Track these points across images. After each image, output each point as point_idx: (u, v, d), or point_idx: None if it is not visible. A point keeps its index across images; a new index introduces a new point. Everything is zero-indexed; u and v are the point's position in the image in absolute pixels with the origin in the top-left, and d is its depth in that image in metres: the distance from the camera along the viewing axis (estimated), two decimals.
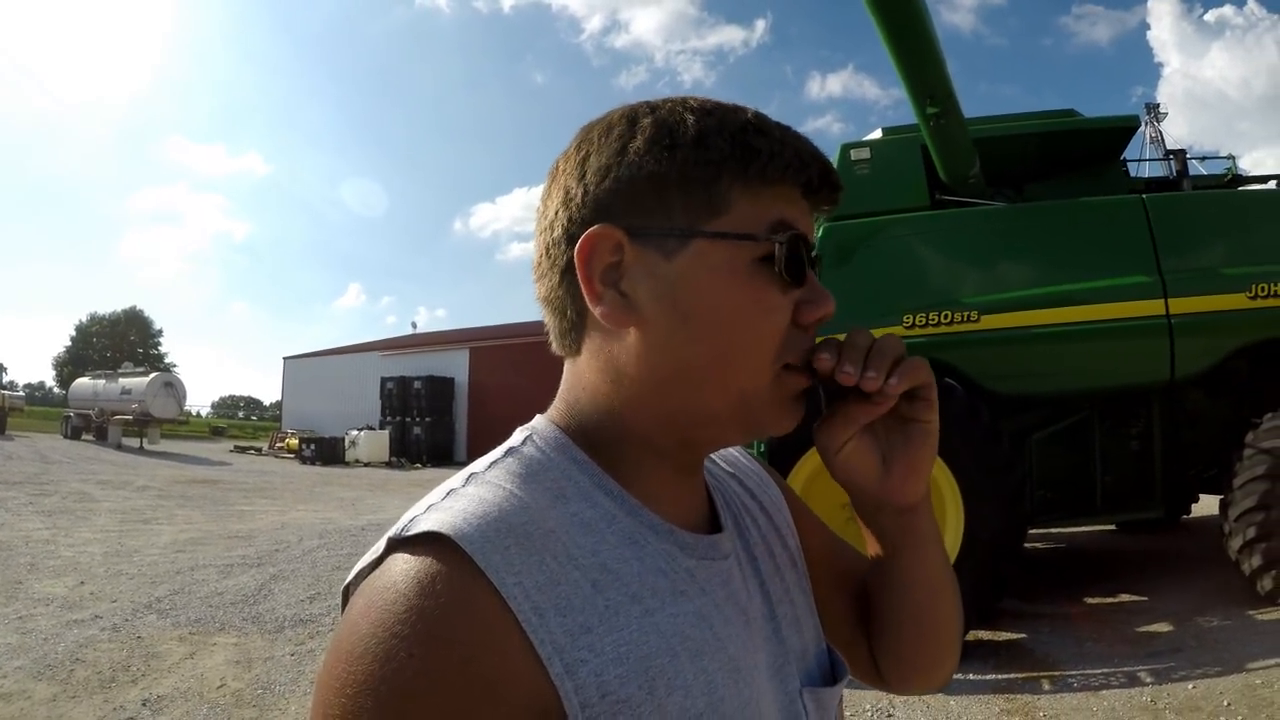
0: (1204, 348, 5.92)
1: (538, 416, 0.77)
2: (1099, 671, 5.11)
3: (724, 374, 0.70)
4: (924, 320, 6.06)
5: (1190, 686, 4.73)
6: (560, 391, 0.77)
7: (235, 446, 39.77)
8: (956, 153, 6.05)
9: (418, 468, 29.38)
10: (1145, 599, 6.57)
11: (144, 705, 4.96)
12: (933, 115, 5.58)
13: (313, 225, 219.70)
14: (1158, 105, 44.28)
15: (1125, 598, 6.73)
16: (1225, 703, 4.47)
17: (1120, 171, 7.03)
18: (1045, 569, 8.16)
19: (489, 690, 0.57)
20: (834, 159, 6.66)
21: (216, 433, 54.66)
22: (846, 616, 0.94)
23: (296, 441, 32.68)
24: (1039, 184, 6.86)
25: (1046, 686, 4.99)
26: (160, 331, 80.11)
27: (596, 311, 0.70)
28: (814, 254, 0.74)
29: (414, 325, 49.31)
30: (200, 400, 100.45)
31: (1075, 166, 6.80)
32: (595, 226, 0.69)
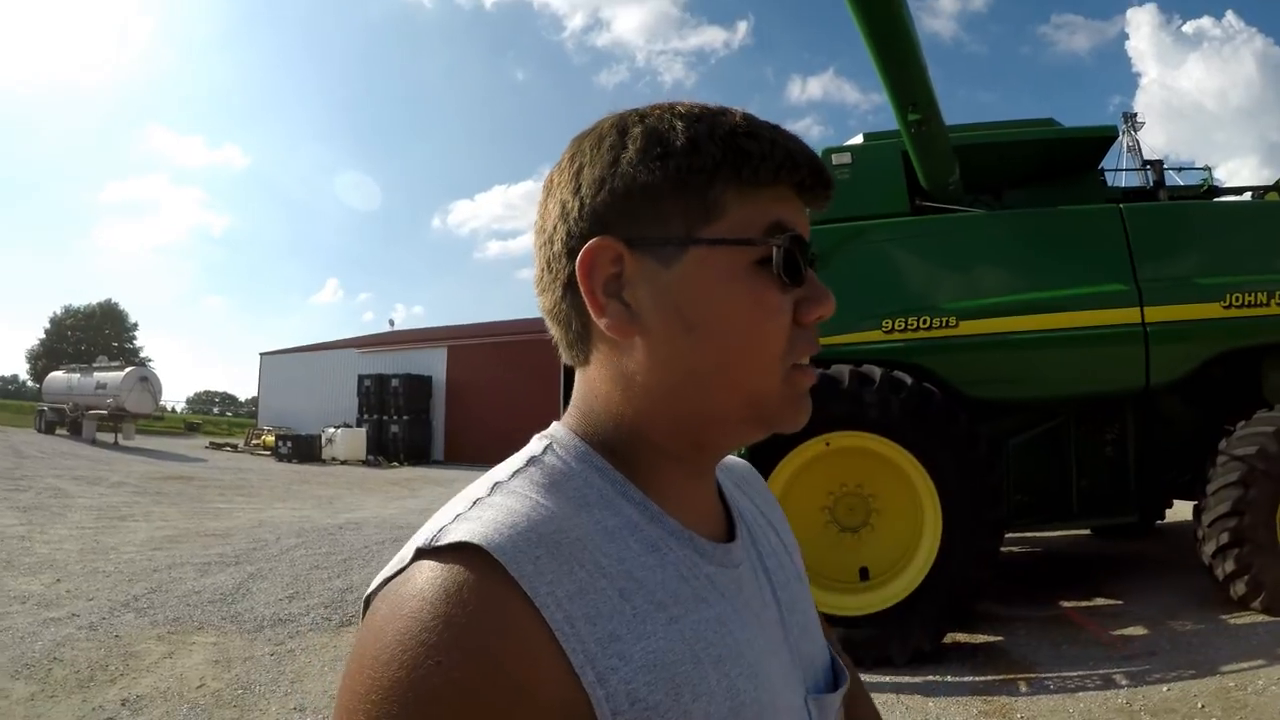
0: (1179, 356, 6.01)
1: (555, 424, 0.78)
2: (1075, 674, 5.18)
3: (731, 376, 0.71)
4: (902, 325, 6.12)
5: (1165, 689, 4.81)
6: (574, 399, 0.78)
7: (211, 443, 39.35)
8: (937, 159, 6.12)
9: (395, 466, 29.18)
10: (1120, 603, 6.66)
11: (123, 705, 4.93)
12: (914, 122, 5.63)
13: (291, 219, 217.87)
14: (1135, 115, 44.51)
15: (1100, 601, 6.82)
16: (1200, 705, 4.55)
17: (1098, 180, 7.13)
18: (1022, 573, 8.25)
19: (517, 699, 0.57)
20: None
21: (192, 429, 54.08)
22: None
23: (273, 438, 32.32)
24: (1017, 191, 6.96)
25: (1024, 689, 5.05)
26: (136, 325, 79.27)
27: (601, 323, 0.71)
28: (811, 253, 0.74)
29: (391, 322, 49.16)
30: (175, 396, 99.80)
31: (1053, 175, 6.90)
32: (594, 239, 0.70)
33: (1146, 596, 6.68)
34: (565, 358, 0.79)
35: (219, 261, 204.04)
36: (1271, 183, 7.37)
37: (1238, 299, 5.94)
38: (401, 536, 0.68)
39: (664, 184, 0.69)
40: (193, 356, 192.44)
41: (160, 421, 44.48)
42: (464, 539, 0.61)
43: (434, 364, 35.05)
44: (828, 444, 5.83)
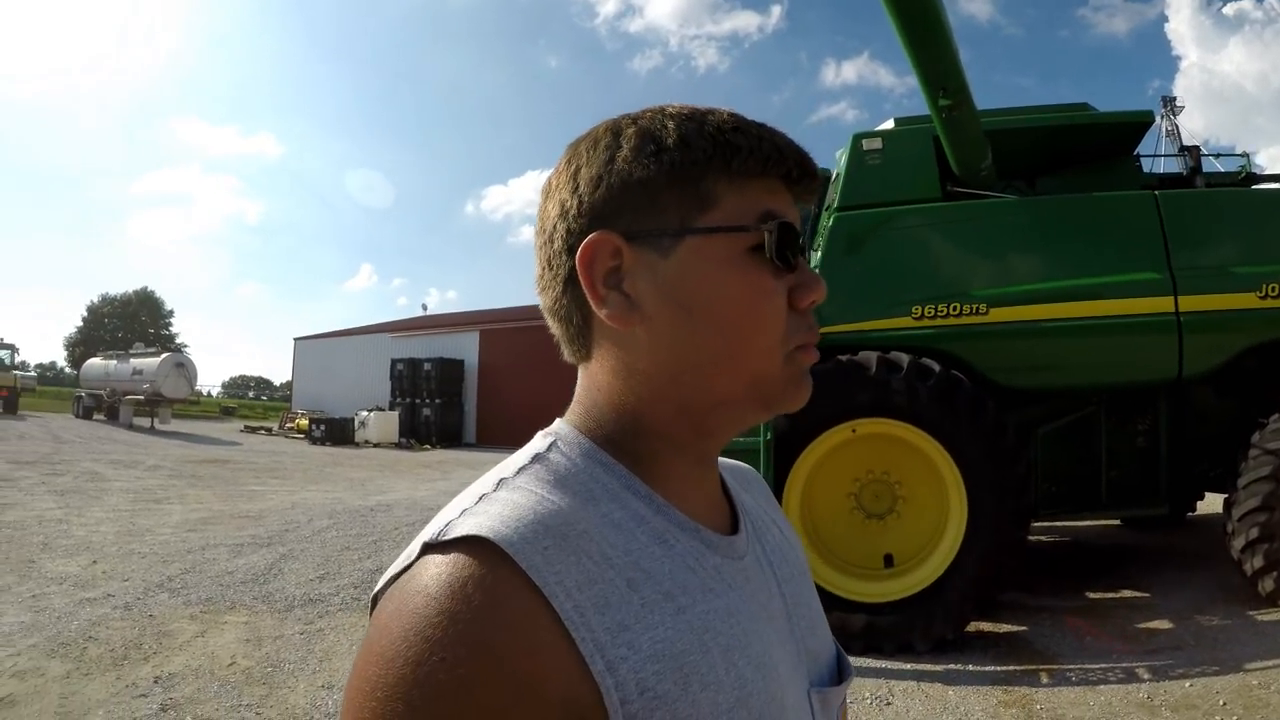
0: (1213, 346, 5.93)
1: (558, 421, 0.79)
2: (1097, 667, 5.15)
3: (733, 359, 0.72)
4: (932, 312, 6.07)
5: (1188, 685, 4.77)
6: (577, 396, 0.79)
7: (245, 426, 39.77)
8: (968, 145, 6.05)
9: (427, 449, 29.38)
10: (1147, 595, 6.61)
11: (155, 682, 5.03)
12: (945, 107, 5.57)
13: (325, 206, 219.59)
14: (1174, 99, 43.78)
15: (1126, 593, 6.76)
16: (1221, 702, 4.51)
17: (1133, 167, 6.99)
18: (1048, 563, 8.19)
19: (524, 692, 0.57)
20: (846, 148, 6.67)
21: (227, 413, 54.62)
22: None
23: (306, 422, 32.66)
24: (1051, 178, 6.85)
25: (1045, 680, 5.03)
26: (171, 312, 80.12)
27: (602, 314, 0.73)
28: (801, 241, 0.76)
29: (424, 307, 49.36)
30: (211, 380, 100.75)
31: (1088, 161, 6.78)
32: (593, 234, 0.72)
33: (1173, 590, 6.62)
34: (567, 354, 0.80)
35: (254, 249, 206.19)
36: None
37: (1274, 289, 5.83)
38: (431, 518, 0.68)
39: (658, 178, 0.72)
40: (228, 342, 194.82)
41: (196, 406, 44.98)
42: (471, 532, 0.62)
43: (466, 348, 35.17)
44: (854, 430, 5.82)
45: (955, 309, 6.06)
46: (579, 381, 0.80)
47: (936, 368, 5.70)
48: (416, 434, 31.57)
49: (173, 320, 79.77)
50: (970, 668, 5.30)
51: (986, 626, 5.97)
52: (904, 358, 5.75)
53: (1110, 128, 6.72)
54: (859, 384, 5.72)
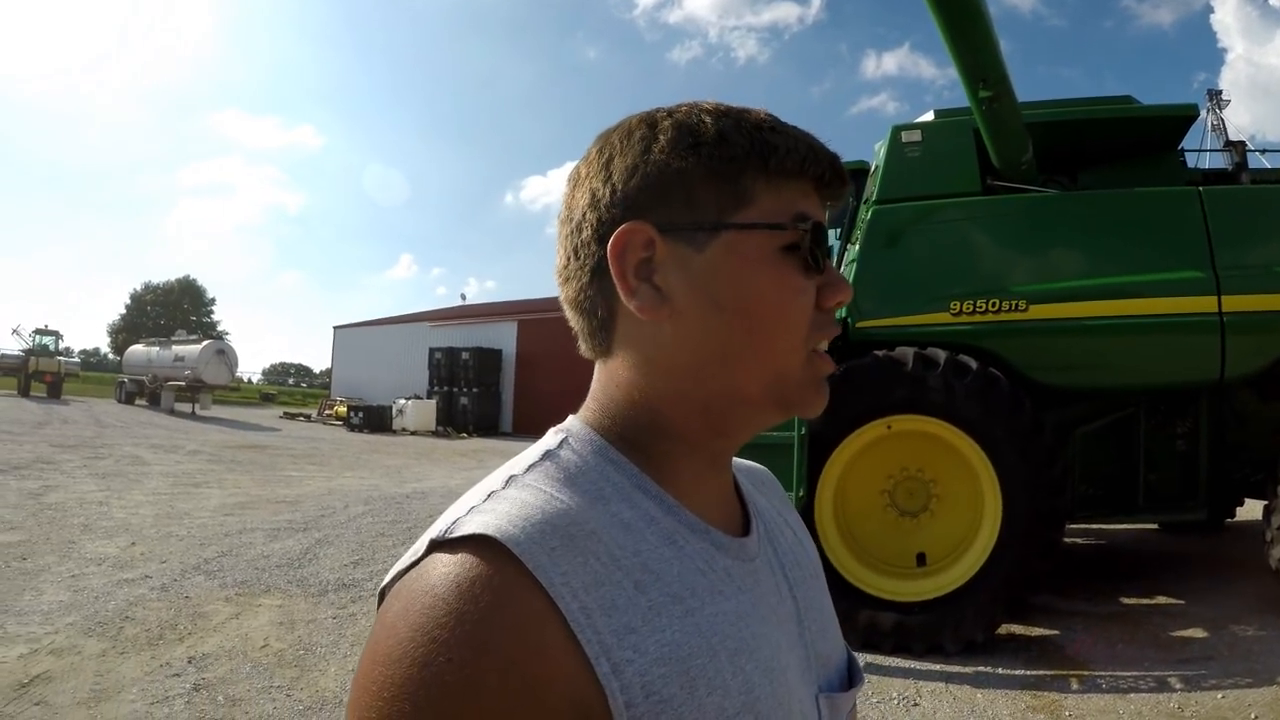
0: (1256, 347, 5.78)
1: (570, 418, 0.79)
2: (1128, 674, 5.07)
3: (760, 356, 0.72)
4: (970, 308, 5.99)
5: (1219, 696, 4.69)
6: (592, 392, 0.79)
7: (285, 413, 40.31)
8: (1009, 137, 5.95)
9: (464, 437, 29.57)
10: (1182, 603, 6.49)
11: (189, 662, 5.10)
12: (985, 99, 5.48)
13: (365, 197, 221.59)
14: (1220, 92, 42.83)
15: (1161, 600, 6.66)
16: (1253, 715, 4.44)
17: (1177, 161, 6.82)
18: (1082, 566, 8.09)
19: (530, 693, 0.57)
20: (885, 141, 6.60)
21: (267, 399, 55.43)
22: None
23: (345, 409, 33.05)
24: (1093, 172, 6.70)
25: (1074, 685, 4.97)
26: (213, 300, 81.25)
27: (632, 304, 0.72)
28: (827, 244, 0.76)
29: (463, 297, 49.55)
30: (251, 367, 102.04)
31: (1131, 155, 6.63)
32: (627, 223, 0.71)
33: (1209, 598, 6.50)
34: (585, 349, 0.80)
35: (294, 238, 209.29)
36: None
37: None
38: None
39: (695, 171, 0.71)
40: (269, 330, 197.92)
41: (236, 392, 45.58)
42: (478, 531, 0.62)
43: (504, 338, 35.34)
44: (889, 427, 5.77)
45: (994, 305, 5.97)
46: (595, 377, 0.79)
47: (974, 365, 5.63)
48: (454, 422, 31.80)
49: (214, 308, 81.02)
50: (1000, 671, 5.24)
51: (1018, 629, 5.90)
52: (941, 354, 5.68)
53: (1154, 121, 6.55)
54: (895, 380, 5.67)
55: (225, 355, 35.83)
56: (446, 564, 0.61)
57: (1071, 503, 6.27)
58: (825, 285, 0.75)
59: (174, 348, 36.52)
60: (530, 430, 31.24)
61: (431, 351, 34.99)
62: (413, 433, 29.44)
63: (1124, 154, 6.62)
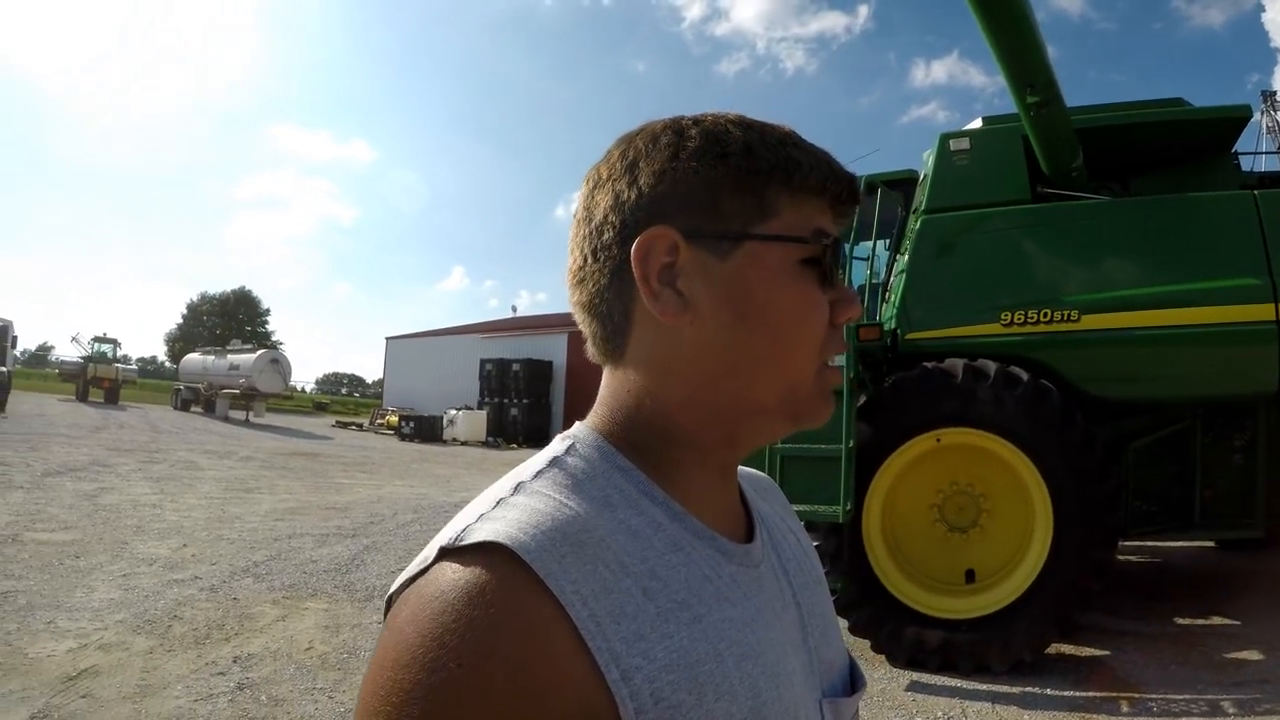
0: None
1: (578, 424, 0.79)
2: (1181, 697, 4.94)
3: (776, 366, 0.73)
4: (1021, 318, 5.88)
5: None
6: (601, 398, 0.79)
7: (337, 422, 40.91)
8: (1058, 144, 5.85)
9: (513, 448, 29.84)
10: (1238, 623, 6.32)
11: (234, 662, 5.17)
12: (1033, 105, 5.40)
13: (418, 210, 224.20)
14: (1274, 93, 41.28)
15: (1217, 620, 6.48)
16: None
17: (1231, 165, 6.63)
18: (1135, 584, 7.90)
19: (538, 700, 0.57)
20: (933, 149, 6.53)
21: (320, 408, 56.12)
22: None
23: (396, 419, 33.54)
24: (1145, 177, 6.55)
25: (1125, 708, 4.85)
26: (268, 310, 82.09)
27: (654, 309, 0.72)
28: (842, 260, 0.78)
29: (514, 309, 50.13)
30: (305, 376, 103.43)
31: (1183, 159, 6.46)
32: (653, 227, 0.72)
33: (1266, 619, 6.33)
34: (596, 354, 0.80)
35: (347, 250, 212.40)
36: None
37: None
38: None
39: (723, 181, 0.72)
40: (323, 340, 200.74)
41: (290, 401, 46.23)
42: (489, 538, 0.62)
43: (555, 350, 35.65)
44: (939, 440, 5.70)
45: (1045, 315, 5.85)
46: (605, 383, 0.79)
47: (1025, 376, 5.53)
48: (504, 433, 32.10)
49: (269, 318, 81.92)
50: (1048, 692, 5.12)
51: (1067, 649, 5.78)
52: (991, 366, 5.60)
53: (1206, 124, 6.37)
54: (944, 392, 5.60)
55: (279, 364, 36.35)
56: (457, 571, 0.61)
57: (1125, 519, 6.14)
58: (838, 301, 0.76)
59: (229, 356, 37.16)
60: None
61: (482, 363, 35.40)
62: (463, 443, 29.76)
63: (1176, 158, 6.47)
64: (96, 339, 41.80)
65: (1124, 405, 6.12)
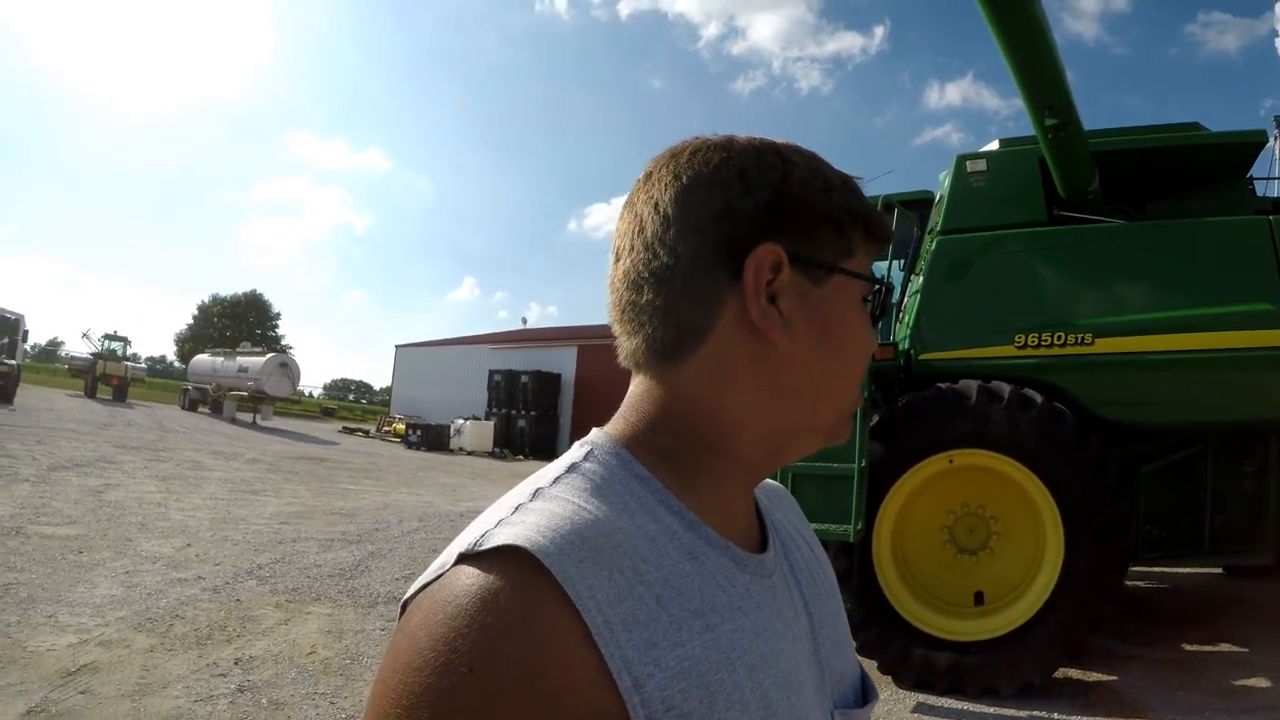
0: None
1: (595, 431, 0.80)
2: None
3: (839, 388, 0.78)
4: (1035, 340, 5.86)
5: None
6: (632, 403, 0.78)
7: (344, 427, 40.91)
8: (1075, 166, 5.84)
9: (520, 459, 29.79)
10: (1246, 650, 6.26)
11: (236, 664, 5.15)
12: (1051, 127, 5.40)
13: (431, 221, 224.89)
14: None
15: (1225, 647, 6.42)
16: None
17: (1246, 190, 6.61)
18: (1143, 609, 7.84)
19: (550, 705, 0.57)
20: (950, 170, 6.53)
21: (327, 413, 56.20)
22: None
23: (403, 426, 33.50)
24: (1160, 202, 6.54)
25: None
26: (278, 315, 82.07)
27: (760, 322, 0.73)
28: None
29: (524, 321, 50.22)
30: (313, 381, 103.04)
31: (1199, 184, 6.45)
32: (768, 243, 0.73)
33: (1275, 646, 6.25)
34: (648, 357, 0.77)
35: (360, 258, 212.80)
36: None
37: None
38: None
39: (826, 213, 0.76)
40: (332, 346, 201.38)
41: (297, 405, 46.34)
42: (508, 543, 0.62)
43: (564, 362, 35.65)
44: (951, 461, 5.67)
45: (1059, 338, 5.83)
46: (641, 388, 0.78)
47: (1039, 399, 5.51)
48: (511, 444, 32.09)
49: (279, 322, 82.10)
50: (1055, 716, 5.08)
51: (1075, 674, 5.72)
52: (1005, 387, 5.57)
53: (1222, 148, 6.36)
54: (958, 413, 5.57)
55: (288, 368, 36.47)
56: (474, 576, 0.61)
57: (1135, 544, 6.09)
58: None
59: (238, 359, 37.29)
60: None
61: (491, 373, 35.42)
62: (469, 452, 29.73)
63: (1192, 183, 6.46)
64: (107, 336, 41.98)
65: (1136, 429, 6.09)
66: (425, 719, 0.56)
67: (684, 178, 0.75)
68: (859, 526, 5.36)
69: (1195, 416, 5.85)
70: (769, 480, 0.96)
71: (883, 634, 5.62)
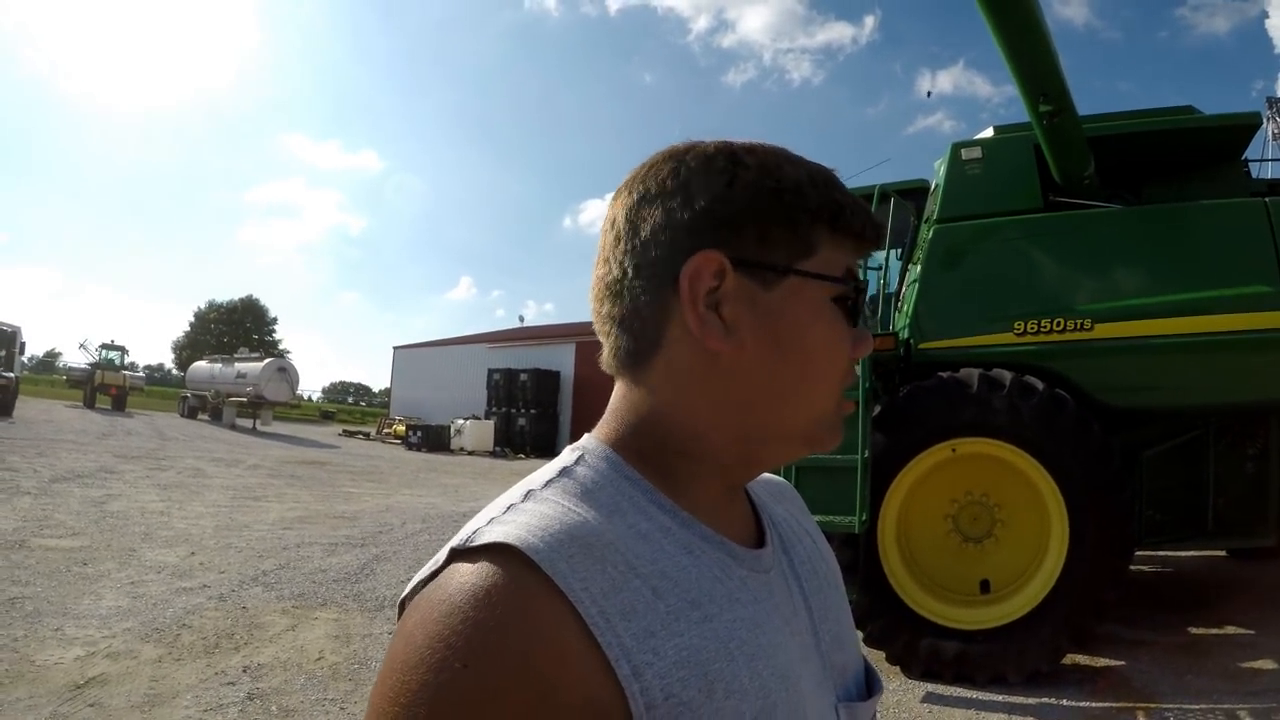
0: None
1: (586, 436, 0.80)
2: (1197, 707, 4.90)
3: (805, 396, 0.76)
4: (1035, 328, 5.86)
5: None
6: (614, 410, 0.79)
7: (344, 431, 40.92)
8: (1070, 152, 5.84)
9: (520, 458, 29.80)
10: (1252, 633, 6.26)
11: (244, 671, 5.15)
12: (1046, 113, 5.39)
13: (426, 221, 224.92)
14: (1279, 99, 41.24)
15: (1230, 630, 6.43)
16: None
17: (1242, 172, 6.62)
18: (1148, 594, 7.85)
19: (545, 698, 0.58)
20: (945, 158, 6.52)
21: (326, 417, 56.23)
22: None
23: (403, 428, 33.57)
24: (1156, 186, 6.54)
25: (1141, 718, 4.80)
26: (275, 319, 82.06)
27: (698, 332, 0.72)
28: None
29: (521, 319, 50.27)
30: (312, 385, 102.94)
31: (1194, 167, 6.44)
32: (706, 251, 0.72)
33: None
34: (617, 366, 0.79)
35: (356, 260, 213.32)
36: None
37: None
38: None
39: (775, 214, 0.74)
40: (330, 349, 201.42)
41: (297, 409, 46.38)
42: (498, 540, 0.63)
43: (563, 360, 35.68)
44: (954, 450, 5.67)
45: (1059, 324, 5.83)
46: (620, 395, 0.79)
47: (1040, 386, 5.51)
48: (511, 443, 32.12)
49: (276, 327, 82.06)
50: (1064, 702, 5.08)
51: (1083, 660, 5.73)
52: (1006, 375, 5.57)
53: (1217, 131, 6.34)
54: (960, 402, 5.57)
55: (286, 373, 36.49)
56: (465, 573, 0.62)
57: (1139, 528, 6.09)
58: (856, 338, 0.79)
59: (236, 365, 37.30)
60: None
61: (490, 372, 35.47)
62: (470, 452, 29.75)
63: (1187, 166, 6.45)
64: (104, 346, 41.87)
65: (1137, 414, 6.08)
66: (422, 716, 0.57)
67: (635, 194, 0.77)
68: (864, 517, 5.37)
69: (1196, 400, 5.85)
70: (772, 475, 0.98)
71: (890, 624, 5.62)
